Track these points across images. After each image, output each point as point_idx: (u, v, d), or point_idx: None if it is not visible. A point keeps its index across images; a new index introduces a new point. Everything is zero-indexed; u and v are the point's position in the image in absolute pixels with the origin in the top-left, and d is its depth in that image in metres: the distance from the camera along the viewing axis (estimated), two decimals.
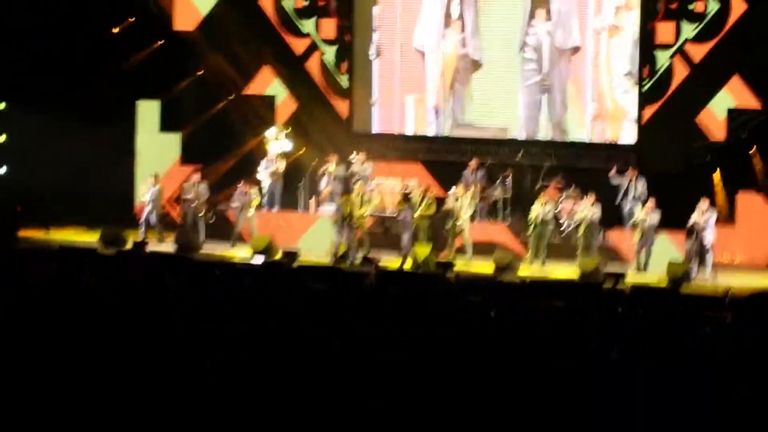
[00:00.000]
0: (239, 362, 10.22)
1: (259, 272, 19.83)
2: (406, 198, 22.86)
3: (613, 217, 23.34)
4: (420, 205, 22.86)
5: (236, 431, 8.23)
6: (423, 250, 21.81)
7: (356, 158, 25.36)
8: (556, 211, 23.53)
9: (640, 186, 23.25)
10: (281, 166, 25.62)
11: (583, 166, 25.50)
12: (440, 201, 24.09)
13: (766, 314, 15.12)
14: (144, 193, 24.70)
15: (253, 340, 10.95)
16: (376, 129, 27.08)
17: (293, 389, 8.90)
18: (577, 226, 22.71)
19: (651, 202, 21.97)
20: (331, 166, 25.09)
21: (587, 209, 22.16)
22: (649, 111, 25.06)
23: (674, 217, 22.25)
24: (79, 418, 8.44)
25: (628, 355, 11.64)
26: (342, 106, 27.12)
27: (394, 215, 23.57)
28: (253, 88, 27.59)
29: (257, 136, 26.91)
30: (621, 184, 23.53)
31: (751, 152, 24.40)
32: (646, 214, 21.75)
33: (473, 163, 24.94)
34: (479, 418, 8.66)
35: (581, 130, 25.70)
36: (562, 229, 23.44)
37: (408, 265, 21.48)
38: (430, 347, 11.53)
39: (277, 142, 26.29)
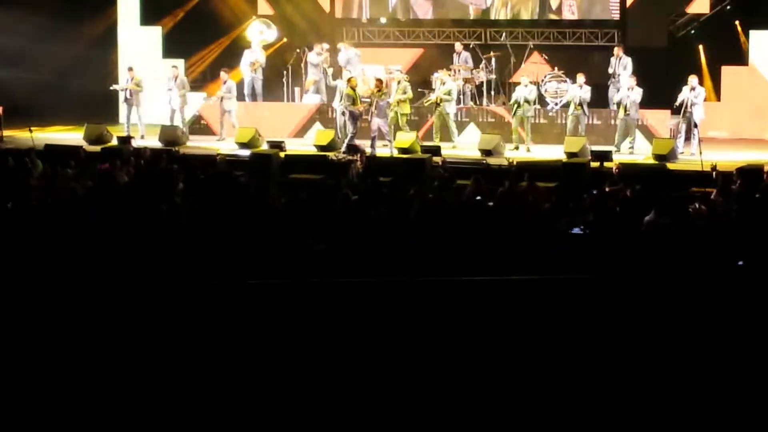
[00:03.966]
0: (235, 261, 10.29)
1: (247, 164, 19.90)
2: (379, 84, 22.46)
3: (600, 96, 23.25)
4: (396, 90, 22.49)
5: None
6: (408, 136, 21.73)
7: (343, 45, 25.15)
8: (543, 92, 23.43)
9: (628, 64, 23.05)
10: (261, 56, 25.36)
11: (567, 44, 25.39)
12: (425, 85, 24.06)
13: (752, 188, 15.26)
14: (121, 85, 24.44)
15: (244, 236, 11.04)
16: (356, 14, 26.86)
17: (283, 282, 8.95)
18: (565, 107, 22.63)
19: (632, 80, 21.81)
20: (317, 55, 24.85)
21: (575, 90, 22.01)
22: None
23: (659, 94, 22.18)
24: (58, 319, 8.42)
25: (618, 231, 11.80)
26: None
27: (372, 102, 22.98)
28: None
29: (240, 26, 26.68)
30: (610, 63, 23.33)
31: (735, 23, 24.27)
32: (628, 91, 21.60)
33: (458, 46, 24.82)
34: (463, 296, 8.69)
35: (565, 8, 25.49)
36: (549, 109, 23.37)
37: (396, 153, 21.38)
38: (420, 233, 11.64)
39: (258, 31, 26.05)
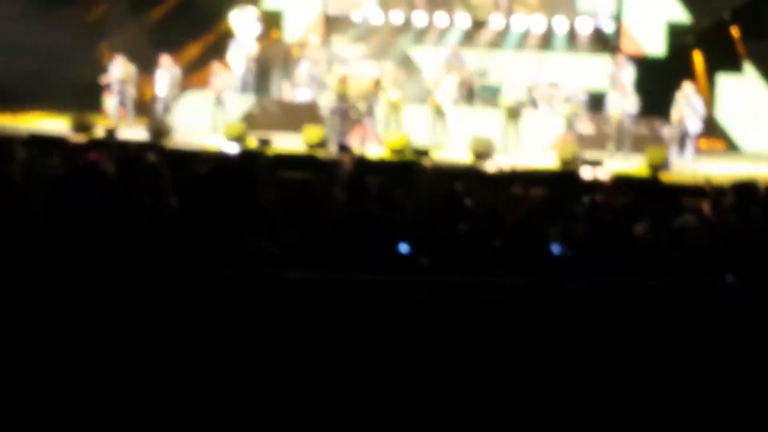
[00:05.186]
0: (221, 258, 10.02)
1: (234, 160, 19.57)
2: (377, 83, 22.27)
3: (594, 103, 23.02)
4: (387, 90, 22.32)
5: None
6: (399, 137, 21.51)
7: (337, 40, 24.86)
8: (537, 96, 23.20)
9: (629, 72, 22.64)
10: (252, 48, 25.05)
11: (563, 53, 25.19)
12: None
13: (747, 203, 15.04)
14: (112, 73, 24.16)
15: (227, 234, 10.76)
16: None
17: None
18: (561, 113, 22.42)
19: (625, 87, 21.57)
20: (310, 49, 24.58)
21: (570, 95, 21.79)
22: None
23: (654, 103, 21.95)
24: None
25: (607, 244, 11.57)
26: None
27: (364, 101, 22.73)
28: None
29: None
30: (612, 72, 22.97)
31: (732, 32, 24.02)
32: (623, 99, 21.38)
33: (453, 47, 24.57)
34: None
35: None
36: (542, 114, 23.14)
37: (385, 154, 21.16)
38: (408, 237, 11.40)
39: (246, 23, 25.71)
